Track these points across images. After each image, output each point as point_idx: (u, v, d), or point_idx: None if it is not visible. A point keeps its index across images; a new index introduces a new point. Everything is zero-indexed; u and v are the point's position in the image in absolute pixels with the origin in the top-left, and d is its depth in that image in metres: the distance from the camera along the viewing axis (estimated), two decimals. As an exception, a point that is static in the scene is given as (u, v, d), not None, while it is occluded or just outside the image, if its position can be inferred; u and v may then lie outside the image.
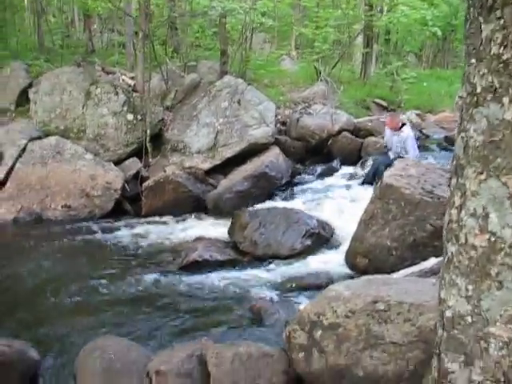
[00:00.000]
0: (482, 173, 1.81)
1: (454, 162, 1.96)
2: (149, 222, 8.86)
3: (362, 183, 9.02)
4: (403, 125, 9.12)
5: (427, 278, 4.27)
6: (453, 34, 23.94)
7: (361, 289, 3.78)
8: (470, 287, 1.95)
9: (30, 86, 11.66)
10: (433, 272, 4.66)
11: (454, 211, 1.96)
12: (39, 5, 16.13)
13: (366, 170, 9.40)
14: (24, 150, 9.69)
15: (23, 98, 11.66)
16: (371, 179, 8.77)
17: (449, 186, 2.06)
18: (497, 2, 1.63)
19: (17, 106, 11.79)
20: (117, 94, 10.53)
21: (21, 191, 9.22)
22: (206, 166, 9.89)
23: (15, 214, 9.00)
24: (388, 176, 6.20)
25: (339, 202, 8.37)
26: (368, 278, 4.12)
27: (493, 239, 1.84)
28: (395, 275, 4.95)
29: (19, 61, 12.83)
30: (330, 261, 6.75)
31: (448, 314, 2.09)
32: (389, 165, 8.44)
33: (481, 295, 1.91)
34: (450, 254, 2.06)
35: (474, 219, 1.87)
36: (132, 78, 11.80)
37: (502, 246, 1.81)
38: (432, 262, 5.10)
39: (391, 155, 9.05)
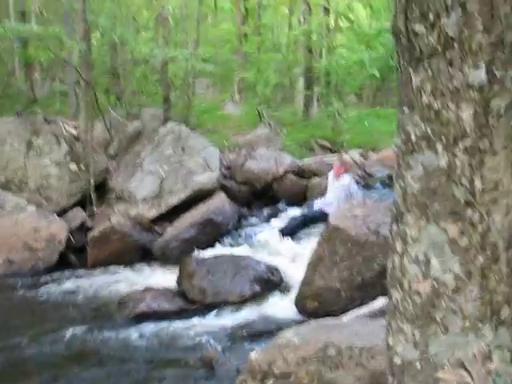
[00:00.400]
0: (421, 219, 1.83)
1: (394, 209, 1.97)
2: (95, 274, 8.62)
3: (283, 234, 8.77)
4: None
5: (377, 319, 4.27)
6: (391, 74, 24.63)
7: (311, 334, 3.75)
8: (417, 333, 1.94)
9: (-32, 137, 11.39)
10: (382, 312, 4.67)
11: (396, 258, 1.96)
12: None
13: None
14: (-39, 203, 9.41)
15: (-39, 151, 11.38)
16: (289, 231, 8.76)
17: (390, 232, 2.07)
18: (424, 54, 1.68)
19: (-46, 159, 11.48)
20: (59, 143, 10.39)
21: (-41, 245, 8.92)
22: (152, 214, 9.76)
23: (-47, 269, 8.68)
24: (334, 218, 6.24)
25: (287, 245, 8.35)
26: (318, 323, 4.11)
27: (436, 285, 1.84)
28: (345, 317, 4.94)
29: (-44, 112, 12.57)
30: (280, 306, 6.71)
31: (397, 360, 2.07)
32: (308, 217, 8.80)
33: (428, 341, 1.91)
34: (394, 300, 2.05)
35: (417, 265, 1.87)
36: (75, 127, 11.67)
37: (445, 290, 1.82)
38: (381, 301, 5.13)
39: (330, 200, 9.01)
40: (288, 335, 3.83)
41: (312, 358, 3.50)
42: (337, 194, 8.87)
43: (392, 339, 2.07)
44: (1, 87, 17.05)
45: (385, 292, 5.13)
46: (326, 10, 17.48)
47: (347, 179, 8.99)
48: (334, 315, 5.34)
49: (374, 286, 5.80)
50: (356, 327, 3.87)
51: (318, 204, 9.18)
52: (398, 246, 1.92)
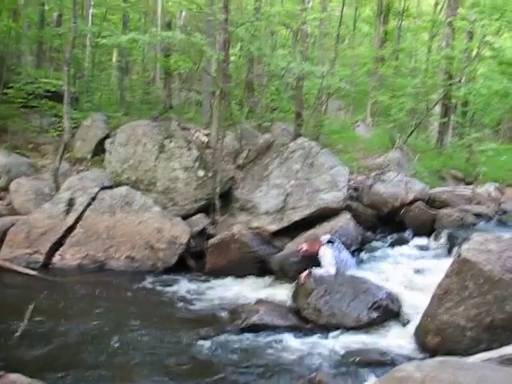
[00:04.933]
0: None
1: None
2: (211, 280, 8.73)
3: None
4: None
5: (509, 367, 3.86)
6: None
7: (434, 371, 3.44)
8: None
9: (108, 136, 11.99)
10: (515, 360, 4.24)
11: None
12: (124, 63, 16.76)
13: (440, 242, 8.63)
14: (94, 198, 9.82)
15: (100, 148, 12.00)
16: None
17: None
18: None
19: (93, 155, 12.14)
20: (190, 149, 10.60)
21: (87, 238, 9.32)
22: (274, 227, 9.69)
23: (80, 261, 9.10)
24: (466, 250, 5.81)
25: (410, 274, 7.95)
26: (442, 360, 3.77)
27: None
28: (471, 359, 4.54)
29: (100, 113, 13.25)
30: (398, 336, 6.36)
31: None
32: None
33: None
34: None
35: None
36: (206, 135, 11.92)
37: None
38: (513, 348, 4.67)
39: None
40: (409, 368, 3.53)
41: (434, 397, 3.20)
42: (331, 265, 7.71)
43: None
44: (141, 93, 17.91)
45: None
46: (470, 35, 16.79)
47: (320, 253, 7.87)
48: (457, 355, 4.94)
49: (505, 329, 5.30)
50: (485, 372, 3.49)
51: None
52: None
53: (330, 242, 8.06)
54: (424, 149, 16.06)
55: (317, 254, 7.90)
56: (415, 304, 6.81)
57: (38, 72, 13.84)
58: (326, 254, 7.76)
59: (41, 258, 9.07)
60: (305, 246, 8.10)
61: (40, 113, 13.32)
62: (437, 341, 5.76)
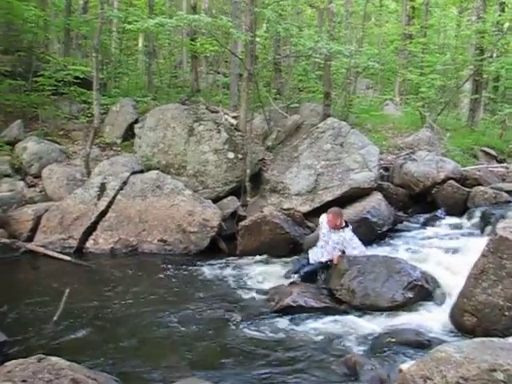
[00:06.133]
0: None
1: None
2: (243, 262, 8.71)
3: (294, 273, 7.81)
4: (346, 224, 7.75)
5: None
6: None
7: (474, 353, 3.40)
8: None
9: (137, 121, 12.05)
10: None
11: None
12: (151, 48, 16.78)
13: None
14: (126, 182, 9.88)
15: (129, 133, 12.07)
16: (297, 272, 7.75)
17: None
18: None
19: (123, 140, 12.25)
20: (219, 131, 10.60)
21: (120, 223, 9.38)
22: (305, 208, 9.69)
23: (112, 245, 9.18)
24: (502, 229, 5.70)
25: (444, 253, 7.87)
26: (481, 341, 3.72)
27: None
28: (511, 339, 4.47)
29: (128, 98, 13.31)
30: (433, 317, 6.31)
31: None
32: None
33: None
34: None
35: None
36: (235, 118, 11.90)
37: None
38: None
39: (322, 255, 7.68)
40: (448, 350, 3.50)
41: (475, 379, 3.16)
42: (328, 249, 7.63)
43: None
44: (168, 77, 17.93)
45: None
46: (502, 7, 16.37)
47: (347, 234, 7.61)
48: (495, 335, 4.87)
49: (544, 308, 5.23)
50: (528, 352, 3.43)
51: (313, 256, 7.84)
52: None
53: (346, 224, 7.79)
54: (455, 126, 15.83)
55: (337, 228, 7.63)
56: (450, 284, 6.76)
57: (66, 59, 13.93)
58: (353, 237, 7.65)
59: (74, 243, 9.18)
60: (328, 218, 7.72)
61: (70, 100, 13.45)
62: (474, 321, 5.69)
